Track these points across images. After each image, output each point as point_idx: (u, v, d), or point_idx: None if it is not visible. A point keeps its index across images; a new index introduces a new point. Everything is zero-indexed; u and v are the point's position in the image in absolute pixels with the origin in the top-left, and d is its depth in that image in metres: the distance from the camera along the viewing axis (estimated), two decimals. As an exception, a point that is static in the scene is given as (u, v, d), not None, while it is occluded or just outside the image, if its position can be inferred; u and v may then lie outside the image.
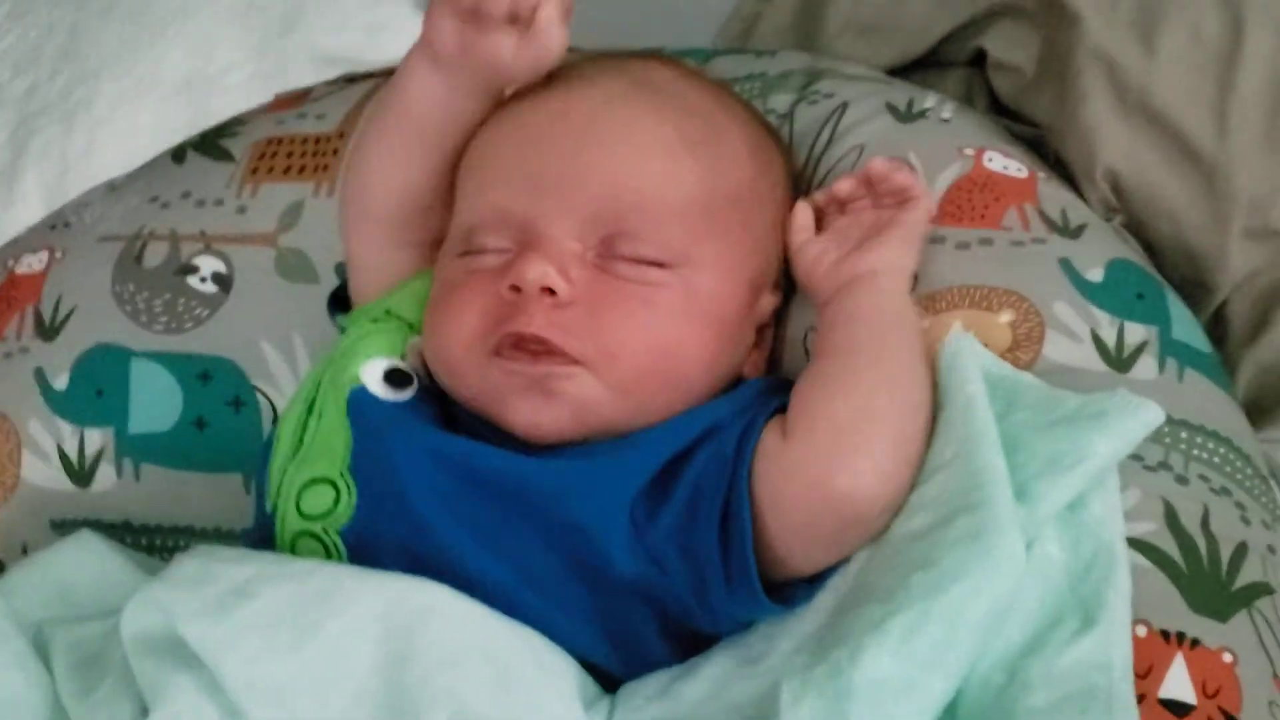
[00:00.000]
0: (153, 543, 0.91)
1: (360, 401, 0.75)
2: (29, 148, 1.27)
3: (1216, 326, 0.91)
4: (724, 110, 0.80)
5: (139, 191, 1.02)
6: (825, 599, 0.69)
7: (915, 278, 0.78)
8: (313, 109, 1.03)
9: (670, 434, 0.71)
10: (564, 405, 0.70)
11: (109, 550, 0.80)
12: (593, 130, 0.74)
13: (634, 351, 0.71)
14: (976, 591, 0.60)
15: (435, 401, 0.77)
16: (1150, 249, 0.89)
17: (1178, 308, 0.81)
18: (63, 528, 0.91)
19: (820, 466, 0.66)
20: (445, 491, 0.70)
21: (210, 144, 1.03)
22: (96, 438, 0.92)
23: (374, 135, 0.83)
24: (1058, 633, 0.63)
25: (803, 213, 0.81)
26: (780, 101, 0.93)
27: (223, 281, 0.95)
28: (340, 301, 0.88)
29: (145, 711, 0.63)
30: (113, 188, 1.05)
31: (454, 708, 0.59)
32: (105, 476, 0.92)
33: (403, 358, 0.78)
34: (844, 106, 0.90)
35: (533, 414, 0.71)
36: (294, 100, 1.07)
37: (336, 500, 0.72)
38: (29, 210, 1.20)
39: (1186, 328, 0.80)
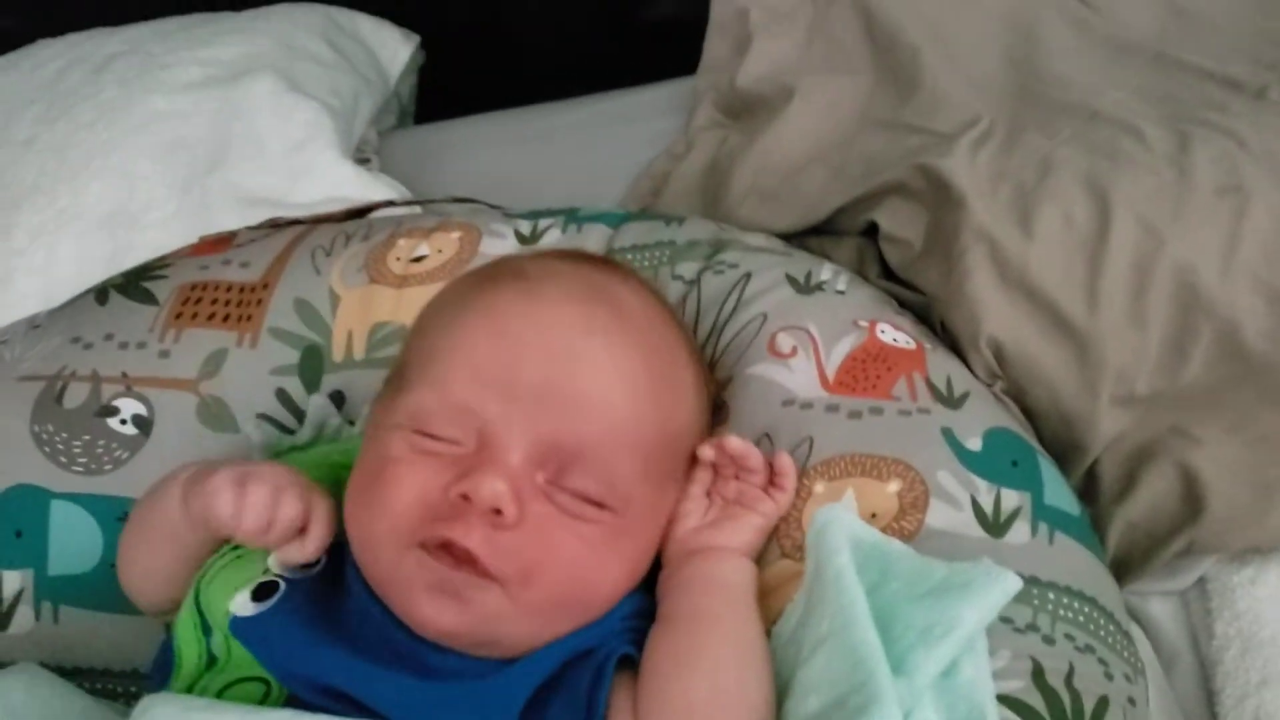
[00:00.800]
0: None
1: (241, 630, 0.78)
2: (-57, 273, 1.30)
3: (1088, 484, 1.00)
4: (678, 344, 0.86)
5: (61, 331, 1.05)
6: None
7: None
8: (237, 256, 1.09)
9: (541, 661, 0.75)
10: (470, 613, 0.74)
11: (51, 679, 0.83)
12: (575, 359, 0.77)
13: (553, 580, 0.75)
14: None
15: (312, 583, 0.81)
16: (1028, 413, 0.98)
17: (1050, 472, 0.90)
18: (-22, 669, 0.93)
19: None
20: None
21: (134, 286, 1.08)
22: (15, 579, 0.95)
23: (134, 539, 0.89)
24: None
25: (699, 482, 0.85)
26: (688, 269, 1.01)
27: (143, 424, 0.99)
28: None
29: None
30: (34, 325, 1.08)
31: None
32: (23, 618, 0.94)
33: (265, 571, 0.81)
34: (748, 277, 0.98)
35: (436, 614, 0.74)
36: (218, 244, 1.12)
37: (266, 694, 0.77)
38: (-59, 336, 1.24)
39: (1057, 491, 0.89)
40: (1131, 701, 0.80)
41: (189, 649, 0.81)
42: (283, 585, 0.80)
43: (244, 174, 1.35)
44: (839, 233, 1.12)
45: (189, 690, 0.79)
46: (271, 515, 0.77)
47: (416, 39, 1.70)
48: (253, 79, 1.41)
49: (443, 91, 1.80)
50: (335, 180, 1.36)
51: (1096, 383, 0.96)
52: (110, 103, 1.40)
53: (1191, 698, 0.94)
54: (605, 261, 0.92)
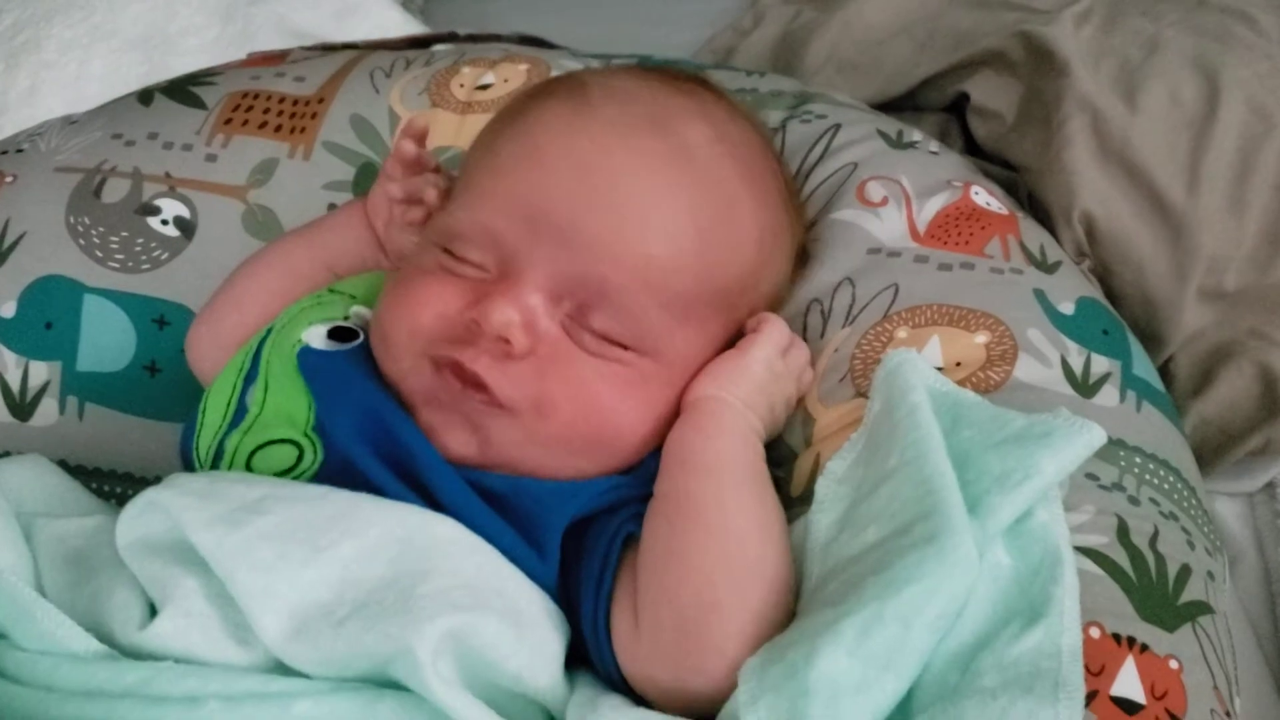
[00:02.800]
0: (89, 485, 0.93)
1: (308, 359, 0.79)
2: (-35, 81, 1.30)
3: (1162, 379, 1.01)
4: (748, 187, 0.81)
5: (101, 127, 1.05)
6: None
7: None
8: (291, 70, 1.09)
9: (578, 494, 0.75)
10: (476, 438, 0.75)
11: (59, 473, 0.83)
12: (611, 194, 0.75)
13: (569, 415, 0.75)
14: (931, 592, 0.65)
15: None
16: (1111, 296, 0.99)
17: (1137, 348, 0.91)
18: (-3, 460, 0.93)
19: (672, 673, 0.69)
20: (385, 456, 0.75)
21: (180, 89, 1.08)
22: (42, 371, 0.95)
23: (276, 263, 0.91)
24: (1007, 630, 0.70)
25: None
26: (772, 117, 1.01)
27: (185, 226, 0.99)
28: None
29: (150, 607, 0.68)
30: (70, 121, 1.08)
31: (460, 620, 0.64)
32: (47, 411, 0.95)
33: (345, 318, 0.83)
34: (837, 128, 0.98)
35: (443, 431, 0.75)
36: (270, 59, 1.12)
37: (299, 458, 0.77)
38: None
39: (1145, 366, 0.90)
40: (1211, 575, 0.80)
41: (217, 400, 0.81)
42: (361, 335, 0.81)
43: (290, 7, 1.35)
44: (919, 108, 1.13)
45: (210, 450, 0.80)
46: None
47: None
48: (303, -87, 1.40)
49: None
50: (382, 23, 1.36)
51: (1187, 269, 0.97)
52: (150, -78, 1.39)
53: (1254, 598, 0.96)
54: (694, 81, 0.87)
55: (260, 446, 0.77)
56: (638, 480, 0.78)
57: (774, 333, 0.83)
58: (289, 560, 0.66)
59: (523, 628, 0.69)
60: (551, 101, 0.80)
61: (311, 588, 0.66)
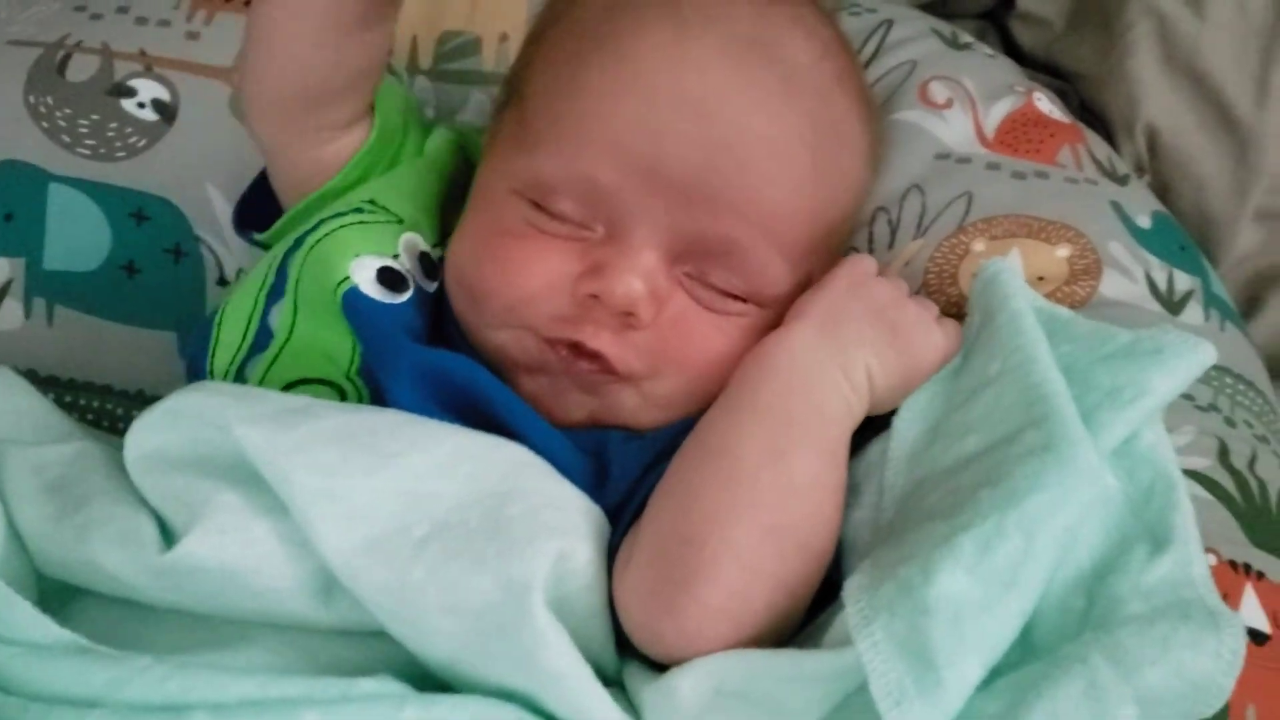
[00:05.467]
0: (61, 399, 0.85)
1: (357, 305, 0.71)
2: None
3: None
4: (854, 106, 0.76)
5: (59, -3, 0.95)
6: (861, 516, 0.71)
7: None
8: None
9: (663, 435, 0.70)
10: (589, 404, 0.70)
11: (30, 392, 0.74)
12: (732, 142, 0.68)
13: (689, 377, 0.70)
14: (1055, 503, 0.60)
15: (429, 309, 0.74)
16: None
17: (1210, 267, 0.88)
18: (-46, 366, 0.83)
19: (643, 607, 0.62)
20: (447, 411, 0.67)
21: (152, -42, 0.97)
22: (4, 267, 0.85)
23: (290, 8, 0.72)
24: (1132, 556, 0.66)
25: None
26: (816, 7, 0.95)
27: (165, 110, 0.90)
28: (248, 216, 0.82)
29: (165, 533, 0.59)
30: (21, -10, 0.97)
31: (562, 544, 0.58)
32: (10, 314, 0.85)
33: (394, 256, 0.74)
34: (889, 24, 0.93)
35: (551, 398, 0.70)
36: (249, -71, 1.02)
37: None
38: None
39: (1220, 286, 0.87)
40: (1300, 501, 0.78)
41: (236, 314, 0.73)
42: (412, 284, 0.73)
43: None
44: (950, 15, 1.08)
45: (229, 374, 0.72)
46: None
47: None
48: None
49: None
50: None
51: (1249, 187, 0.95)
52: None
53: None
54: None
55: (294, 383, 0.70)
56: None
57: (853, 263, 0.74)
58: (352, 464, 0.59)
59: (603, 554, 0.63)
60: (645, 23, 0.71)
61: (379, 497, 0.59)
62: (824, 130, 0.72)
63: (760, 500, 0.63)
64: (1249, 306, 0.98)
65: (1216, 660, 0.57)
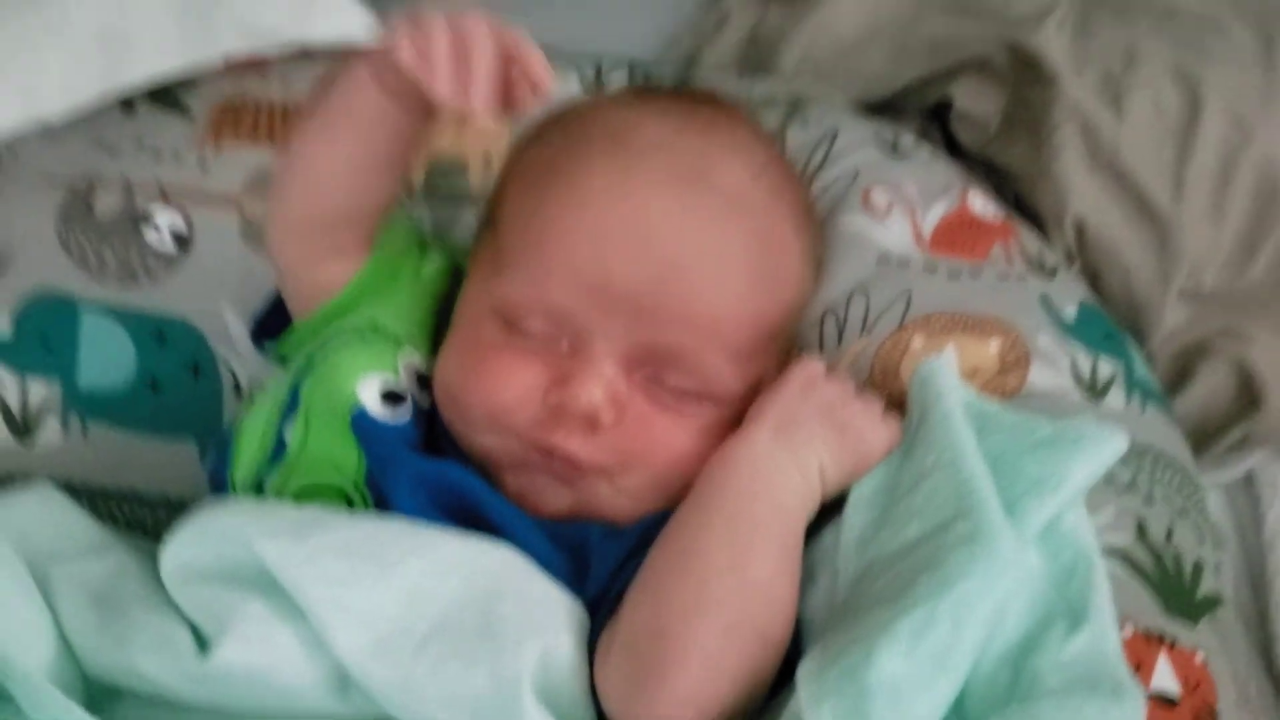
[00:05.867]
0: (95, 506, 0.93)
1: (364, 424, 0.80)
2: (-82, 83, 1.26)
3: (1143, 376, 1.07)
4: (789, 219, 0.84)
5: (82, 135, 1.04)
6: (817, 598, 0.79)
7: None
8: (276, 76, 1.09)
9: (638, 529, 0.79)
10: (568, 495, 0.79)
11: (66, 503, 0.82)
12: (673, 263, 0.76)
13: (652, 467, 0.79)
14: (980, 590, 0.69)
15: (424, 422, 0.83)
16: (1098, 298, 1.04)
17: (1135, 351, 0.96)
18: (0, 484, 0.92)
19: (620, 696, 0.70)
20: (444, 514, 0.76)
21: (163, 96, 1.07)
22: (41, 389, 0.94)
23: (320, 140, 0.82)
24: (1053, 632, 0.74)
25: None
26: (768, 121, 1.04)
27: (181, 238, 0.99)
28: (262, 329, 0.92)
29: (199, 640, 0.68)
30: (47, 130, 1.06)
31: (547, 638, 0.67)
32: (50, 430, 0.94)
33: (395, 374, 0.83)
34: (835, 133, 1.02)
35: (535, 492, 0.79)
36: (252, 66, 1.11)
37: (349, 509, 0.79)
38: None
39: (1144, 368, 0.95)
40: (1218, 567, 0.86)
41: (253, 429, 0.82)
42: (411, 403, 0.82)
43: (248, 4, 1.33)
44: (897, 112, 1.17)
45: (248, 483, 0.81)
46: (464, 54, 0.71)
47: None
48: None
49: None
50: (346, 22, 1.34)
51: (1171, 271, 1.03)
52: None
53: (1238, 584, 1.02)
54: (713, 106, 0.89)
55: (306, 490, 0.78)
56: None
57: (803, 367, 0.83)
58: (359, 574, 0.68)
59: (584, 645, 0.72)
60: (592, 156, 0.80)
61: (385, 603, 0.68)
62: (760, 243, 0.81)
63: (723, 599, 0.71)
64: (1180, 378, 1.06)
65: (1120, 729, 0.65)
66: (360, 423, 0.79)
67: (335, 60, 1.12)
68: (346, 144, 0.81)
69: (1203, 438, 1.05)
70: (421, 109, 0.78)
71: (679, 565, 0.73)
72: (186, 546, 0.69)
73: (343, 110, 0.80)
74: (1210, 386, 1.05)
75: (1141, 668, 0.76)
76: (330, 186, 0.83)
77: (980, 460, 0.76)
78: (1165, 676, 0.76)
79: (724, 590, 0.71)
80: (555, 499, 0.79)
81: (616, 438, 0.78)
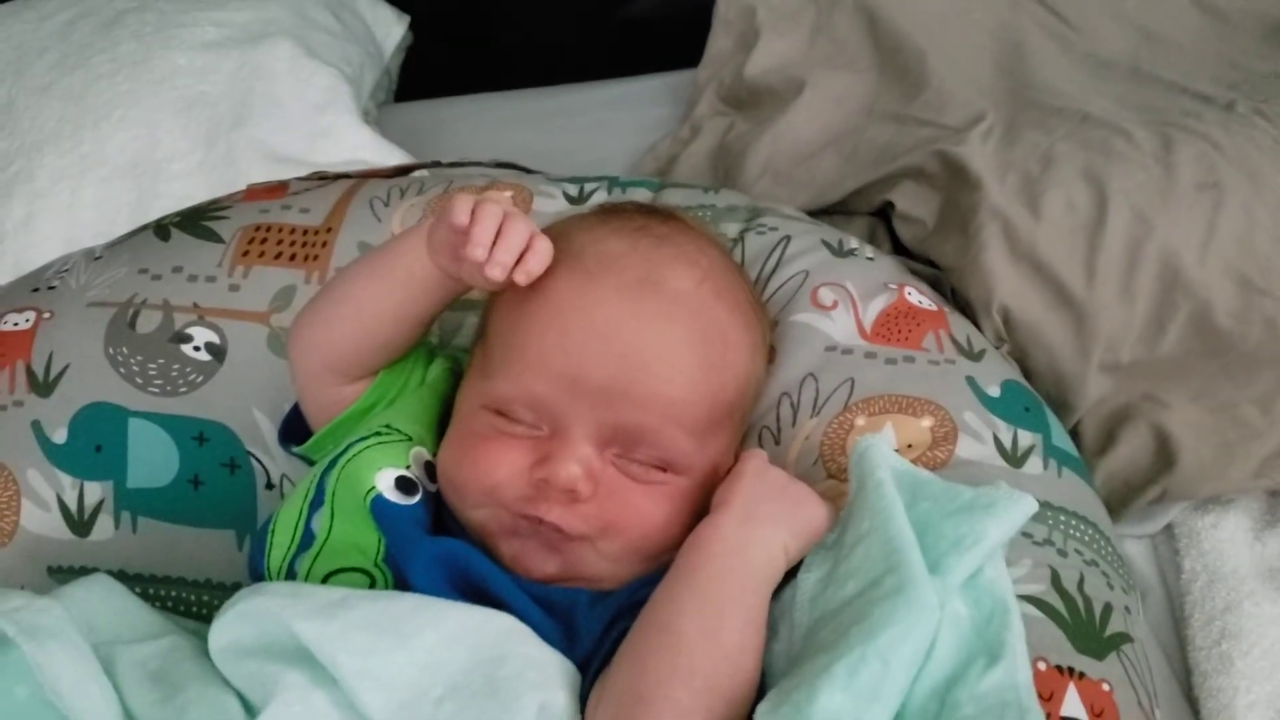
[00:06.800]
0: (146, 591, 1.06)
1: (382, 508, 0.93)
2: (-37, 212, 1.40)
3: (1073, 440, 1.20)
4: (733, 313, 0.97)
5: (125, 262, 1.17)
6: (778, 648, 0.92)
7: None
8: (296, 202, 1.22)
9: (620, 594, 0.91)
10: (555, 559, 0.91)
11: (124, 591, 0.95)
12: (630, 355, 0.90)
13: (629, 533, 0.91)
14: (903, 635, 0.80)
15: (432, 503, 0.97)
16: (1027, 374, 1.18)
17: (1055, 421, 1.09)
18: (60, 574, 1.05)
19: None
20: (453, 587, 0.89)
21: (195, 224, 1.20)
22: (96, 490, 1.07)
23: (369, 290, 0.98)
24: (972, 669, 0.86)
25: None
26: (730, 229, 1.18)
27: (216, 351, 1.12)
28: (289, 433, 1.06)
29: (247, 708, 0.80)
30: (94, 256, 1.20)
31: (543, 695, 0.79)
32: (104, 527, 1.06)
33: (407, 467, 0.97)
34: (787, 239, 1.16)
35: (526, 557, 0.91)
36: (271, 191, 1.25)
37: (371, 586, 0.91)
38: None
39: (1061, 436, 1.08)
40: (1128, 610, 0.99)
41: (285, 522, 0.94)
42: (421, 489, 0.95)
43: (267, 132, 1.48)
44: (849, 212, 1.31)
45: (281, 569, 0.93)
46: (499, 228, 0.90)
47: (408, 19, 1.85)
48: (272, 42, 1.54)
49: (420, 74, 1.95)
50: (354, 143, 1.50)
51: (1089, 349, 1.16)
52: (129, 55, 1.52)
53: (1161, 625, 1.15)
54: (666, 221, 1.01)
55: (334, 572, 0.91)
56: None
57: (752, 457, 0.97)
58: (381, 645, 0.80)
59: (576, 700, 0.84)
60: (560, 273, 0.93)
61: (404, 669, 0.80)
62: (707, 337, 0.94)
63: (697, 668, 0.82)
64: (1106, 441, 1.19)
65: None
66: (378, 507, 0.92)
67: (348, 180, 1.26)
68: (395, 297, 0.97)
69: (1128, 493, 1.18)
70: (459, 281, 0.94)
71: (654, 639, 0.85)
72: (232, 626, 0.82)
73: (397, 270, 0.96)
74: (1133, 448, 1.18)
75: (1053, 697, 0.88)
76: (364, 331, 0.98)
77: (908, 524, 0.87)
78: (1074, 705, 0.88)
79: (695, 660, 0.82)
80: (545, 563, 0.91)
81: (594, 508, 0.90)
